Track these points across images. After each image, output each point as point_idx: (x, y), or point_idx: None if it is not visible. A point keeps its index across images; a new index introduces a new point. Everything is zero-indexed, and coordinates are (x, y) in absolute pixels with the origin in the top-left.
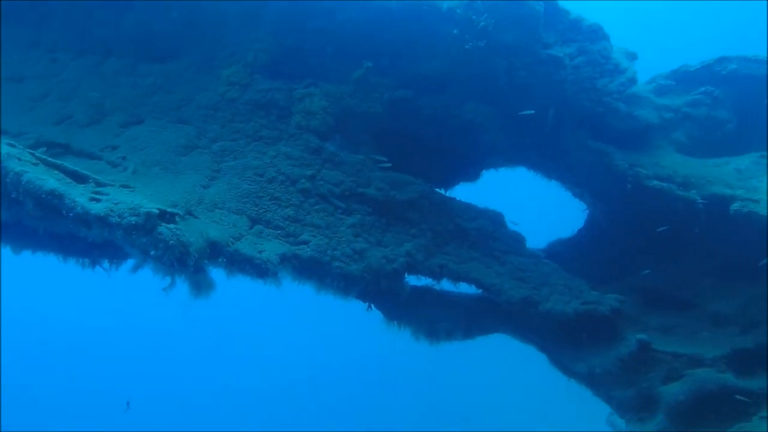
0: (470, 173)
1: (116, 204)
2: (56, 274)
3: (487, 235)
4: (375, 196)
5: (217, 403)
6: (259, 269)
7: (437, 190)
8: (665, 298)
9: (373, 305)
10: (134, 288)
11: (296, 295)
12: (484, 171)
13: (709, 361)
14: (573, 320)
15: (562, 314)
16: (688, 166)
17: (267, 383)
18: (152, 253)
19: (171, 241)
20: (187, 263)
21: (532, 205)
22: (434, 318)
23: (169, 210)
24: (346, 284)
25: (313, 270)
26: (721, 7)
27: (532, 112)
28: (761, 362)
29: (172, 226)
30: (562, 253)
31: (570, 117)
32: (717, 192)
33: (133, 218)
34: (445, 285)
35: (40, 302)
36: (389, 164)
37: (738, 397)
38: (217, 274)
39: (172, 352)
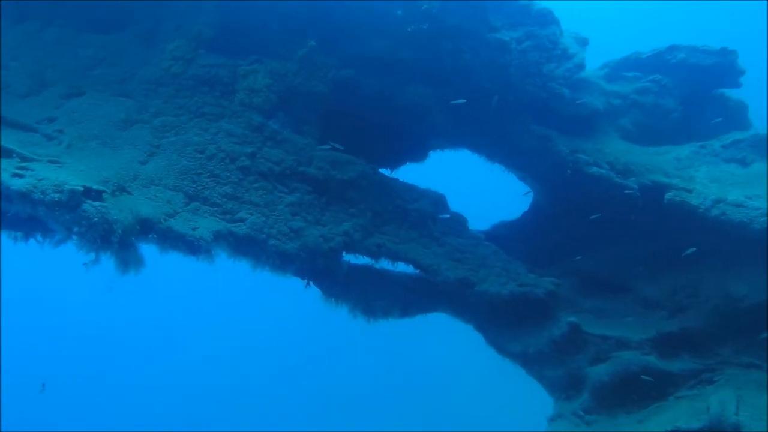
0: (416, 154)
1: (40, 180)
2: (52, 272)
3: (427, 216)
4: (315, 175)
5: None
6: (191, 246)
7: (383, 169)
8: (601, 281)
9: (311, 282)
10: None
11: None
12: (431, 152)
13: (635, 343)
14: (509, 302)
15: (498, 296)
16: (630, 154)
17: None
18: (75, 230)
19: (95, 219)
20: (111, 240)
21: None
22: (371, 296)
23: (95, 187)
24: (282, 262)
25: (248, 248)
26: (722, 7)
27: (464, 101)
28: (685, 345)
29: (97, 203)
30: (505, 235)
31: (514, 101)
32: (655, 180)
33: (56, 195)
34: (384, 264)
35: (36, 299)
36: (341, 147)
37: (643, 377)
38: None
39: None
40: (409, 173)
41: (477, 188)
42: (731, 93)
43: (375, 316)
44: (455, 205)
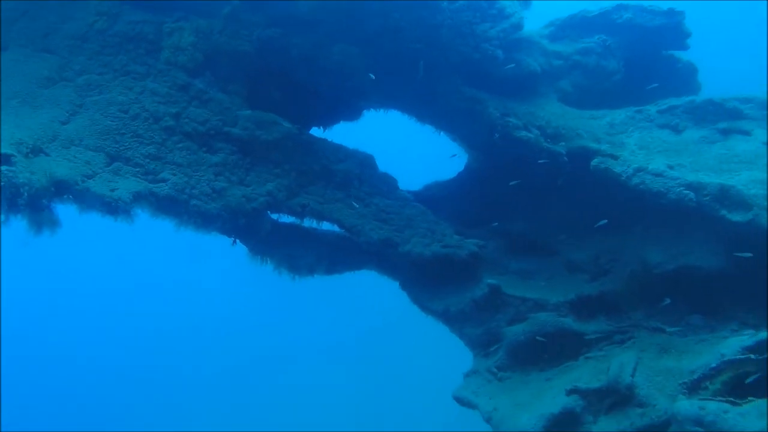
0: (349, 113)
1: None
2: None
3: (353, 176)
4: (240, 136)
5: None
6: (109, 207)
7: (316, 128)
8: (529, 244)
9: (238, 240)
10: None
11: None
12: (365, 111)
13: (552, 306)
14: (432, 262)
15: (421, 256)
16: (564, 117)
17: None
18: None
19: (1, 183)
20: (18, 204)
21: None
22: (297, 254)
23: (5, 151)
24: (204, 221)
25: (170, 208)
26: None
27: (373, 77)
28: (602, 308)
29: (5, 167)
30: (437, 195)
31: (445, 63)
32: (584, 146)
33: None
34: (311, 223)
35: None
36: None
37: (538, 338)
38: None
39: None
40: (347, 133)
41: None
42: (681, 55)
43: (300, 273)
44: (393, 165)
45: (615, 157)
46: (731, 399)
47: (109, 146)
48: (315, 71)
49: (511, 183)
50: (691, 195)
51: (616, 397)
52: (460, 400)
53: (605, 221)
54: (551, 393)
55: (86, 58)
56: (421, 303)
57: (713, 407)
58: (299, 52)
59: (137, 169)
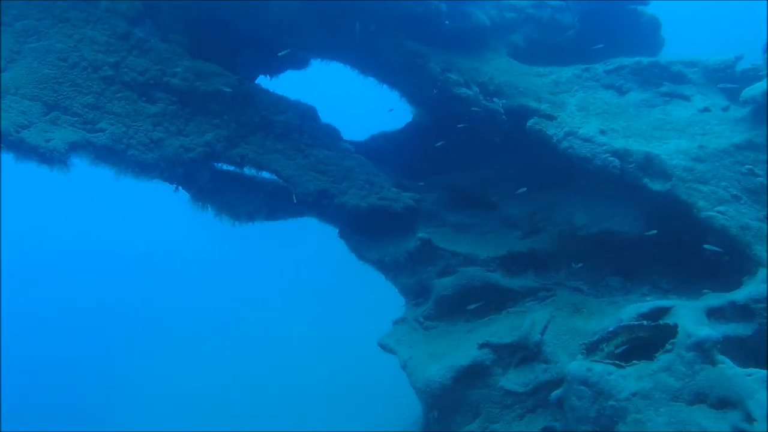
0: (295, 63)
1: None
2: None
3: (294, 128)
4: (180, 86)
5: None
6: (43, 157)
7: (263, 77)
8: (469, 198)
9: (180, 187)
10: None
11: None
12: (312, 60)
13: (482, 261)
14: (368, 214)
15: (357, 208)
16: (509, 74)
17: None
18: None
19: None
20: None
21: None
22: (237, 201)
23: None
24: (141, 170)
25: (108, 157)
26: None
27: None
28: (531, 265)
29: None
30: (381, 146)
31: (388, 16)
32: (523, 104)
33: None
34: (251, 171)
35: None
36: None
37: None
38: None
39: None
40: (297, 86)
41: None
42: (646, 9)
43: (240, 219)
44: (342, 118)
45: (552, 118)
46: (617, 362)
47: (46, 95)
48: (255, 24)
49: (437, 144)
50: (616, 162)
51: (525, 353)
52: (383, 347)
53: (524, 189)
54: (467, 345)
55: (24, 3)
56: (359, 252)
57: (599, 369)
58: (240, 4)
59: (75, 119)
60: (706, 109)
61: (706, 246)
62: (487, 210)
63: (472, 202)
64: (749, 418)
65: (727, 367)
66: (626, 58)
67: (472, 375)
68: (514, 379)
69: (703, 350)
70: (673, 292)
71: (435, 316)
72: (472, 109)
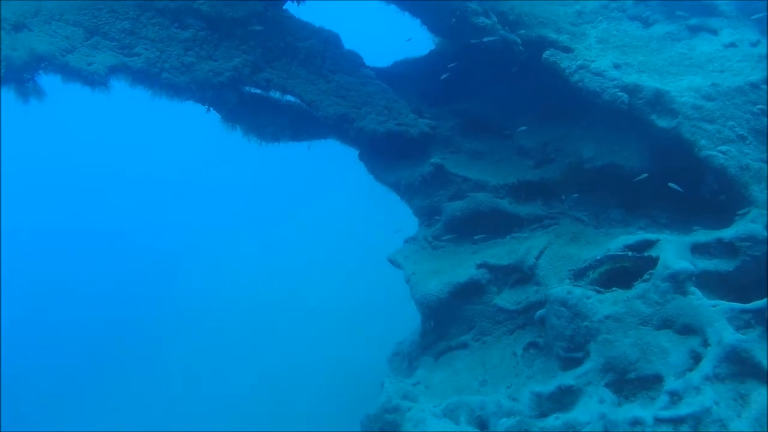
0: None
1: None
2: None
3: (317, 54)
4: (208, 13)
5: None
6: (86, 80)
7: (291, 2)
8: (485, 126)
9: (211, 108)
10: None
11: None
12: None
13: (491, 187)
14: (385, 138)
15: (375, 132)
16: (532, 3)
17: None
18: None
19: None
20: (7, 78)
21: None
22: (263, 122)
23: None
24: (174, 93)
25: (143, 80)
26: None
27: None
28: (541, 194)
29: None
30: (404, 72)
31: None
32: (542, 35)
33: None
34: (277, 95)
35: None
36: None
37: None
38: None
39: None
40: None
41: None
42: None
43: (266, 139)
44: (365, 44)
45: (569, 50)
46: (597, 288)
47: (87, 21)
48: None
49: (443, 76)
50: (624, 98)
51: (520, 275)
52: (392, 262)
53: (524, 128)
54: (468, 264)
55: None
56: (376, 174)
57: (578, 292)
58: None
59: (114, 44)
60: (732, 44)
61: (669, 184)
62: (501, 139)
63: (487, 131)
64: (705, 343)
65: (696, 297)
66: None
67: (468, 291)
68: (507, 298)
69: (677, 281)
70: (670, 227)
71: (444, 237)
72: (489, 38)
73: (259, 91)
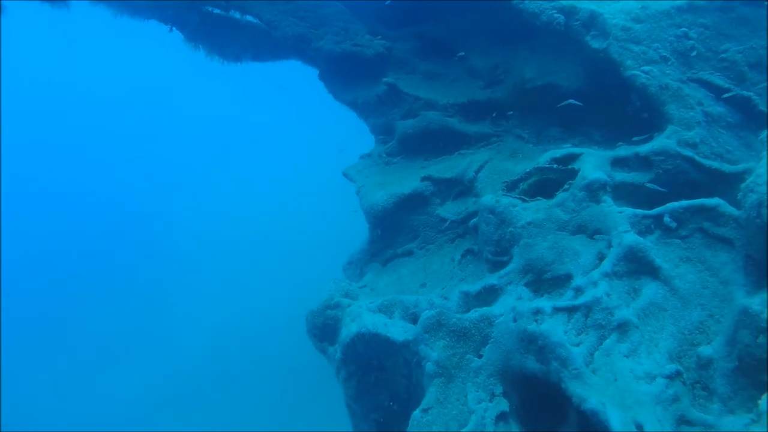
0: None
1: None
2: None
3: None
4: None
5: None
6: None
7: None
8: (440, 48)
9: (174, 28)
10: None
11: None
12: None
13: (441, 106)
14: (342, 59)
15: (331, 53)
16: None
17: None
18: None
19: None
20: None
21: None
22: (225, 43)
23: None
24: (135, 11)
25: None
26: None
27: None
28: (488, 113)
29: None
30: None
31: None
32: None
33: None
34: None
35: None
36: None
37: None
38: None
39: None
40: None
41: None
42: None
43: (228, 59)
44: None
45: None
46: (523, 197)
47: None
48: None
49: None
50: (561, 19)
51: (462, 188)
52: (346, 175)
53: (462, 54)
54: (415, 178)
55: None
56: (335, 93)
57: (505, 201)
58: None
59: None
60: None
61: (565, 103)
62: (456, 60)
63: (443, 53)
64: (609, 244)
65: (607, 205)
66: None
67: (413, 202)
68: (449, 209)
69: (592, 191)
70: (603, 144)
71: (397, 153)
72: None
73: (219, 11)
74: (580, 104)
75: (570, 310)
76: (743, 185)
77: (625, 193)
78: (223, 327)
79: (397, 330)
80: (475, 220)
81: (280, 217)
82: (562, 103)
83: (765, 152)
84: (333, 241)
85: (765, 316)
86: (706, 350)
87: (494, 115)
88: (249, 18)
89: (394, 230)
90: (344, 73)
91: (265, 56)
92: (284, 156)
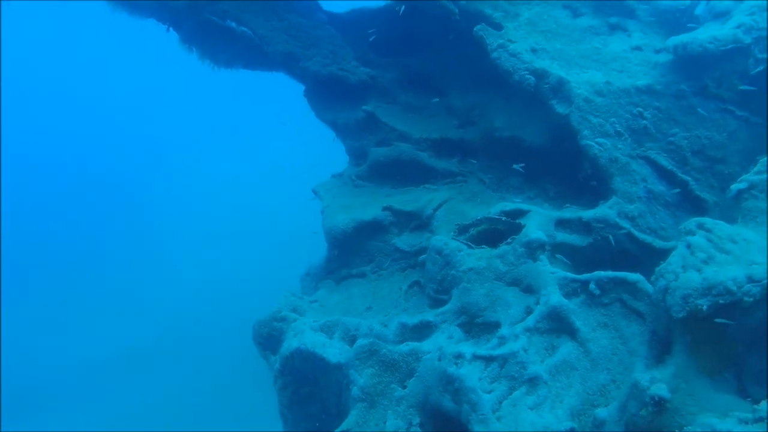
0: None
1: None
2: None
3: None
4: None
5: None
6: None
7: None
8: (424, 82)
9: (170, 28)
10: None
11: None
12: None
13: (414, 140)
14: (327, 80)
15: (317, 74)
16: None
17: None
18: None
19: None
20: None
21: None
22: (218, 49)
23: None
24: (133, 10)
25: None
26: None
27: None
28: (458, 152)
29: None
30: (357, 20)
31: None
32: (479, 9)
33: None
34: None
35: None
36: None
37: None
38: None
39: None
40: None
41: None
42: None
43: (220, 65)
44: None
45: (499, 27)
46: (469, 243)
47: None
48: None
49: (370, 38)
50: (532, 80)
51: (419, 222)
52: (315, 192)
53: (437, 100)
54: (378, 206)
55: None
56: (317, 111)
57: (453, 245)
58: None
59: None
60: (637, 48)
61: (515, 166)
62: (436, 96)
63: (425, 87)
64: (538, 301)
65: (542, 264)
66: None
67: (372, 228)
68: (405, 240)
69: (531, 248)
70: (556, 199)
71: (366, 177)
72: (433, 5)
73: (216, 19)
74: (523, 172)
75: (488, 360)
76: (657, 268)
77: (563, 253)
78: (182, 313)
79: (334, 351)
80: (423, 256)
81: (256, 214)
82: (516, 166)
83: (680, 242)
84: (302, 243)
85: (650, 392)
86: (602, 412)
87: (460, 157)
88: (244, 29)
89: (351, 252)
90: (328, 94)
91: (255, 66)
92: (273, 152)
